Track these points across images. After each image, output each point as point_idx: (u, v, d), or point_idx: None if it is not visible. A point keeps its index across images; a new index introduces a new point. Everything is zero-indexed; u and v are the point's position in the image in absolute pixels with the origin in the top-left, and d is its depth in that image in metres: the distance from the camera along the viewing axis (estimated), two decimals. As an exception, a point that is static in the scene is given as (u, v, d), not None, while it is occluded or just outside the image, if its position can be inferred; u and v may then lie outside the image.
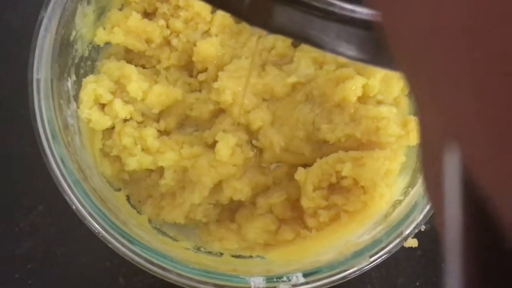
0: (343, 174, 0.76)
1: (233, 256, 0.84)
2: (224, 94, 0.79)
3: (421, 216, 0.72)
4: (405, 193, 0.77)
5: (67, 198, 0.67)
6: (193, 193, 0.79)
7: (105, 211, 0.67)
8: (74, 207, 0.67)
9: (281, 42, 0.86)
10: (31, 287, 0.89)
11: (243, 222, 0.84)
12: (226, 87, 0.79)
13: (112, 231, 0.67)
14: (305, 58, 0.83)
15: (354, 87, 0.78)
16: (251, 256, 0.84)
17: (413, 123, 0.80)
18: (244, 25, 0.89)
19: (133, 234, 0.68)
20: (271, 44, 0.86)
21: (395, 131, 0.78)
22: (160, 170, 0.82)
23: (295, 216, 0.84)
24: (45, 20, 0.72)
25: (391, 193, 0.78)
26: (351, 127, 0.79)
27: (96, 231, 0.67)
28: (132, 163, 0.79)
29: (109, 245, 0.67)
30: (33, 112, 0.69)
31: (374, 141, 0.78)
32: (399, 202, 0.76)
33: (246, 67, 0.81)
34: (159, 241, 0.76)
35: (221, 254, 0.84)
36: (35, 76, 0.70)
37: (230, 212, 0.86)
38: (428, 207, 0.73)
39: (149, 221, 0.84)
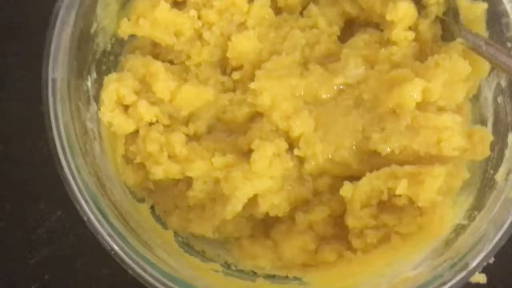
0: (397, 192, 0.66)
1: (267, 276, 0.76)
2: (261, 96, 0.69)
3: (491, 246, 0.62)
4: (470, 217, 0.67)
5: (84, 216, 0.59)
6: (225, 208, 0.71)
7: (124, 232, 0.59)
8: (89, 225, 0.59)
9: (326, 37, 0.76)
10: (49, 299, 0.83)
11: (280, 239, 0.75)
12: (264, 88, 0.70)
13: (132, 254, 0.59)
14: (355, 56, 0.73)
15: (412, 91, 0.68)
16: (287, 277, 0.75)
17: (480, 134, 0.69)
18: (285, 17, 0.78)
19: (154, 258, 0.60)
20: (315, 38, 0.76)
21: (460, 143, 0.67)
22: (189, 179, 0.73)
23: (338, 234, 0.75)
24: (62, 11, 0.64)
25: (453, 215, 0.68)
26: (408, 138, 0.68)
27: (113, 252, 0.59)
28: (157, 172, 0.71)
29: (130, 271, 0.59)
30: (48, 118, 0.61)
31: (434, 154, 0.68)
32: (463, 227, 0.66)
33: (287, 65, 0.71)
34: (185, 263, 0.68)
35: (254, 273, 0.76)
36: (50, 76, 0.62)
37: (265, 226, 0.77)
38: (499, 234, 0.62)
39: (175, 234, 0.76)
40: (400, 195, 0.67)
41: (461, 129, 0.68)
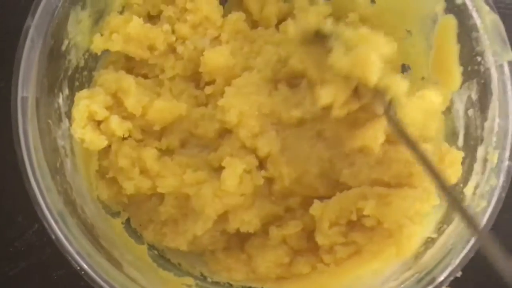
0: (365, 212, 0.67)
1: (242, 287, 0.76)
2: (229, 113, 0.70)
3: (458, 260, 0.62)
4: (439, 230, 0.67)
5: (50, 233, 0.60)
6: (196, 224, 0.71)
7: (92, 250, 0.59)
8: (58, 244, 0.60)
9: (298, 56, 0.75)
10: (27, 312, 0.83)
11: (254, 253, 0.75)
12: (232, 105, 0.70)
13: (101, 273, 0.59)
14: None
15: (376, 132, 0.66)
16: (262, 288, 0.75)
17: (450, 155, 0.70)
18: (260, 32, 0.79)
19: (123, 277, 0.60)
20: (289, 54, 0.75)
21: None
22: (161, 194, 0.73)
23: (311, 247, 0.75)
24: (31, 31, 0.64)
25: (422, 231, 0.68)
26: (378, 172, 0.68)
27: (83, 272, 0.59)
28: (129, 188, 0.71)
29: (97, 289, 0.59)
30: (17, 137, 0.61)
31: (406, 183, 0.68)
32: (432, 241, 0.67)
33: (257, 82, 0.71)
34: (156, 279, 0.68)
35: (230, 285, 0.76)
36: (19, 95, 0.62)
37: (239, 239, 0.77)
38: (467, 248, 0.63)
39: (151, 247, 0.76)
40: (368, 216, 0.67)
41: (432, 157, 0.68)
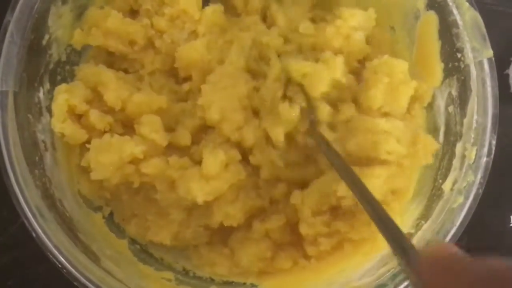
0: (339, 194, 0.67)
1: (224, 282, 0.77)
2: (209, 111, 0.70)
3: (434, 257, 0.62)
4: (417, 226, 0.67)
5: (28, 227, 0.60)
6: (181, 212, 0.72)
7: (69, 244, 0.60)
8: (35, 236, 0.60)
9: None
10: (11, 306, 0.83)
11: (237, 247, 0.75)
12: (212, 102, 0.70)
13: (78, 266, 0.59)
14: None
15: None
16: (244, 284, 0.76)
17: (424, 141, 0.70)
18: (235, 21, 0.78)
19: (100, 271, 0.60)
20: (261, 34, 0.75)
21: (395, 148, 0.67)
22: (146, 187, 0.73)
23: (294, 241, 0.76)
24: (11, 25, 0.64)
25: (401, 224, 0.69)
26: (345, 142, 0.69)
27: (60, 266, 0.59)
28: (113, 177, 0.70)
29: (75, 283, 0.60)
30: (-4, 131, 0.61)
31: (374, 157, 0.68)
32: (410, 236, 0.67)
33: (232, 74, 0.71)
34: (135, 273, 0.68)
35: (212, 280, 0.77)
36: (-1, 89, 0.62)
37: (222, 234, 0.77)
38: (442, 245, 0.63)
39: (133, 242, 0.76)
40: (345, 197, 0.68)
41: (402, 134, 0.68)
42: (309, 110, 0.69)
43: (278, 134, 0.69)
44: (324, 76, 0.68)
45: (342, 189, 0.65)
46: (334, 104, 0.70)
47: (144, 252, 0.77)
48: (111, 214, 0.77)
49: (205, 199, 0.69)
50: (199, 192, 0.67)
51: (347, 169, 0.60)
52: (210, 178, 0.68)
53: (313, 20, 0.79)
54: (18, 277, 0.84)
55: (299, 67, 0.70)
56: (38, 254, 0.83)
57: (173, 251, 0.77)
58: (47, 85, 0.71)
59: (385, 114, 0.69)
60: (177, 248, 0.77)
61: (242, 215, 0.72)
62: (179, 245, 0.77)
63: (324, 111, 0.69)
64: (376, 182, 0.65)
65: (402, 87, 0.68)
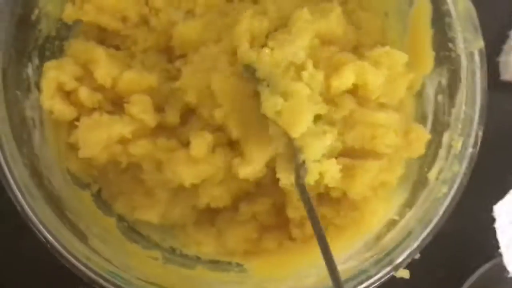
0: (331, 185, 0.68)
1: (211, 261, 0.78)
2: (187, 94, 0.69)
3: (416, 244, 0.64)
4: (401, 213, 0.69)
5: (17, 205, 0.60)
6: (168, 193, 0.72)
7: (57, 223, 0.60)
8: (22, 212, 0.60)
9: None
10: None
11: (224, 228, 0.76)
12: (190, 85, 0.69)
13: (65, 245, 0.60)
14: None
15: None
16: (229, 263, 0.77)
17: (416, 132, 0.71)
18: (234, 5, 0.77)
19: (87, 250, 0.61)
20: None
21: (393, 141, 0.68)
22: (133, 166, 0.74)
23: (280, 223, 0.77)
24: (-1, 0, 0.62)
25: (386, 210, 0.70)
26: (343, 134, 0.69)
27: (45, 241, 0.60)
28: (101, 156, 0.70)
29: (63, 261, 0.60)
30: (-18, 108, 0.61)
31: (369, 149, 0.69)
32: (394, 223, 0.68)
33: (215, 55, 0.69)
34: (123, 251, 0.69)
35: (198, 258, 0.78)
36: (-15, 65, 0.61)
37: (210, 214, 0.78)
38: (425, 233, 0.65)
39: (121, 219, 0.77)
40: (334, 187, 0.68)
41: (398, 126, 0.69)
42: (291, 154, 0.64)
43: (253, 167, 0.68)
44: (305, 109, 0.62)
45: (334, 180, 0.66)
46: (331, 99, 0.69)
47: (132, 229, 0.77)
48: (99, 192, 0.77)
49: (192, 181, 0.69)
50: (187, 175, 0.67)
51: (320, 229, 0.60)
52: (198, 161, 0.68)
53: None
54: (2, 251, 0.84)
55: (271, 103, 0.62)
56: (24, 229, 0.84)
57: (160, 229, 0.78)
58: (36, 61, 0.70)
59: (381, 105, 0.69)
60: (164, 227, 0.78)
61: (229, 198, 0.72)
62: (166, 224, 0.77)
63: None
64: (367, 176, 0.65)
65: (400, 79, 0.69)
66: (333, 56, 0.69)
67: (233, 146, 0.71)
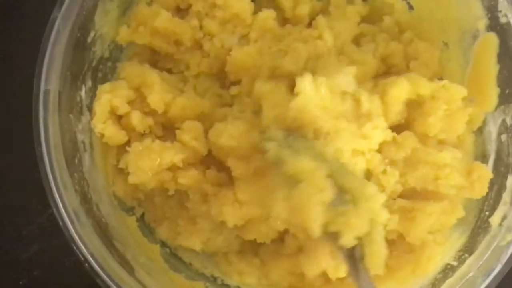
0: (388, 227, 0.65)
1: (253, 292, 0.76)
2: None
3: (478, 297, 0.61)
4: (460, 259, 0.65)
5: (66, 234, 0.59)
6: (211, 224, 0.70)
7: (106, 254, 0.59)
8: (72, 242, 0.59)
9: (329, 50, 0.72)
10: (35, 296, 0.83)
11: (268, 259, 0.74)
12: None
13: (113, 277, 0.58)
14: None
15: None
16: (273, 295, 0.75)
17: (479, 171, 0.67)
18: (289, 29, 0.75)
19: (134, 283, 0.59)
20: (318, 51, 0.72)
21: (458, 182, 0.65)
22: (179, 193, 0.72)
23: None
24: (58, 21, 0.62)
25: (442, 254, 0.67)
26: (406, 172, 0.66)
27: (98, 279, 0.58)
28: (150, 182, 0.69)
29: (109, 293, 0.59)
30: (37, 132, 0.60)
31: (431, 190, 0.66)
32: (451, 269, 0.65)
33: None
34: (169, 283, 0.67)
35: (240, 289, 0.76)
36: (42, 88, 0.61)
37: (254, 244, 0.75)
38: (486, 283, 0.61)
39: (163, 245, 0.75)
40: (391, 230, 0.66)
41: (460, 165, 0.66)
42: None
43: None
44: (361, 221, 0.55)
45: (393, 223, 0.64)
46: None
47: (174, 256, 0.76)
48: (142, 217, 0.76)
49: (236, 223, 0.67)
50: (231, 217, 0.65)
51: None
52: (243, 204, 0.67)
53: (358, 37, 0.76)
54: (44, 269, 0.84)
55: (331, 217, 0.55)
56: (66, 247, 0.83)
57: (202, 256, 0.77)
58: (89, 83, 0.69)
59: (441, 142, 0.67)
60: (206, 254, 0.76)
61: (275, 233, 0.70)
62: (209, 251, 0.75)
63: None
64: (428, 219, 0.62)
65: (459, 114, 0.66)
66: None
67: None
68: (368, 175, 0.64)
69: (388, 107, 0.65)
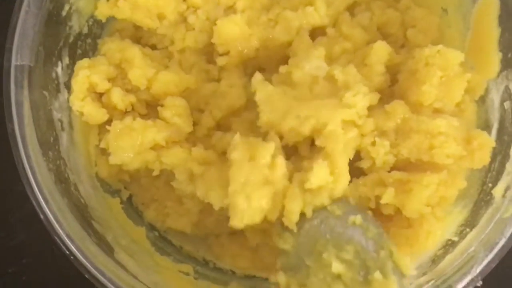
0: (383, 201, 0.61)
1: (246, 276, 0.72)
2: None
3: (478, 270, 0.56)
4: (461, 234, 0.61)
5: (40, 214, 0.56)
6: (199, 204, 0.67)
7: (82, 235, 0.56)
8: (45, 221, 0.56)
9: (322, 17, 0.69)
10: (26, 284, 0.81)
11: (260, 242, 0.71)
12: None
13: (90, 258, 0.55)
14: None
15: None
16: (266, 280, 0.71)
17: (479, 139, 0.63)
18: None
19: (113, 264, 0.56)
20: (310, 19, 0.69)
21: (455, 151, 0.60)
22: (166, 174, 0.69)
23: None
24: (27, -6, 0.59)
25: (442, 229, 0.62)
26: (398, 144, 0.62)
27: (72, 256, 0.55)
28: (132, 163, 0.66)
29: (86, 275, 0.56)
30: (9, 109, 0.57)
31: (426, 161, 0.62)
32: (452, 244, 0.61)
33: None
34: (153, 265, 0.64)
35: (233, 272, 0.73)
36: (13, 63, 0.58)
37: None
38: (490, 256, 0.57)
39: (151, 228, 0.72)
40: (386, 204, 0.62)
41: (459, 133, 0.61)
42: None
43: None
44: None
45: (388, 196, 0.60)
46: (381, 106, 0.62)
47: (163, 239, 0.73)
48: (129, 199, 0.73)
49: (223, 206, 0.64)
50: (217, 201, 0.62)
51: None
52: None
53: (353, 6, 0.72)
54: (33, 256, 0.82)
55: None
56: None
57: (193, 239, 0.73)
58: (66, 60, 0.66)
59: (437, 111, 0.62)
60: (198, 237, 0.73)
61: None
62: (200, 233, 0.72)
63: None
64: (425, 191, 0.58)
65: (456, 81, 0.61)
66: None
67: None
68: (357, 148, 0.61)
69: (369, 69, 0.61)
